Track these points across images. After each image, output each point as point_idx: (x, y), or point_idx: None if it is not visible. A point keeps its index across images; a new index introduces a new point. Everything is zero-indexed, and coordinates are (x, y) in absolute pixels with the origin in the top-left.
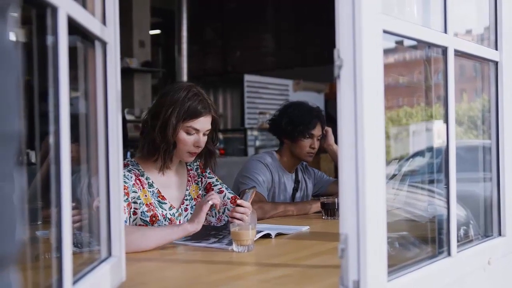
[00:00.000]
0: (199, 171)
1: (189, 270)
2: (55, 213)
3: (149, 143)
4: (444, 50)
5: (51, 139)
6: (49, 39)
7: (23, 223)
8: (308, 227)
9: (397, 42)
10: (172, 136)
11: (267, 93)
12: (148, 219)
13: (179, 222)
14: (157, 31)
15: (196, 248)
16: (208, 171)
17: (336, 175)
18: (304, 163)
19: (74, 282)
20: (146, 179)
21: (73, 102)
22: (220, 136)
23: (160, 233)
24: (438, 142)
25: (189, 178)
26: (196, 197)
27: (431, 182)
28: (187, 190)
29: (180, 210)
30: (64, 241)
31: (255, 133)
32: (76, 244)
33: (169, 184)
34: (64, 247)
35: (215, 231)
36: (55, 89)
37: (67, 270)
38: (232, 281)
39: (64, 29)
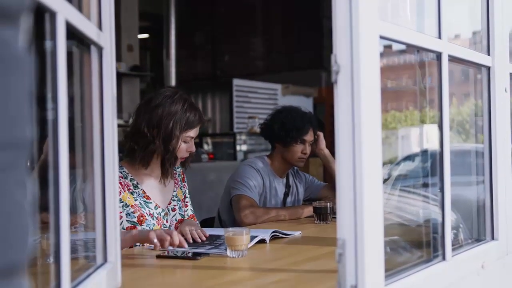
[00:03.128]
0: (180, 177)
1: (185, 276)
2: (53, 219)
3: (148, 153)
4: (439, 56)
5: (49, 145)
6: (47, 44)
7: (34, 230)
8: (300, 232)
9: (385, 46)
10: (176, 147)
11: (256, 97)
12: (135, 219)
13: (166, 222)
14: (146, 35)
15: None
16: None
17: (325, 179)
18: (295, 167)
19: None
20: (131, 180)
21: (68, 107)
22: (209, 140)
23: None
24: (427, 146)
25: (176, 180)
26: (181, 199)
27: (422, 186)
28: (174, 191)
29: (167, 209)
30: (62, 248)
31: (244, 137)
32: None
33: (155, 185)
34: (63, 254)
35: (211, 240)
36: (54, 94)
37: (65, 277)
38: (228, 286)
39: (62, 34)
